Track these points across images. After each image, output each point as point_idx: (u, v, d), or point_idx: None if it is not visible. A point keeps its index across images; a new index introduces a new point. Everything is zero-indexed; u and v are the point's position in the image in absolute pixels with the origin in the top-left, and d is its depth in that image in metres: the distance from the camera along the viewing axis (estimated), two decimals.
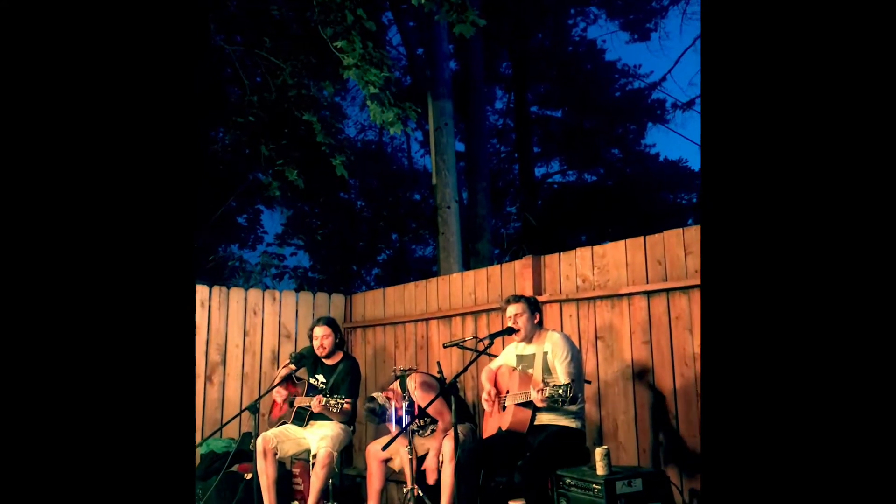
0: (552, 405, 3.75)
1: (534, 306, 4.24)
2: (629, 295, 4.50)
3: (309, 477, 4.93)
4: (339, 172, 7.80)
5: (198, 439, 5.58)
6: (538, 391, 3.74)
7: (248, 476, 5.09)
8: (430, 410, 4.57)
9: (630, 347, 4.46)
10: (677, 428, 4.18)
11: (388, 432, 4.88)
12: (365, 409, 4.78)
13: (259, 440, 4.80)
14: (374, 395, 4.82)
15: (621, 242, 4.64)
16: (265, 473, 4.79)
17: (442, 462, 4.51)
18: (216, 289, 6.19)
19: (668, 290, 4.31)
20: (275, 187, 8.25)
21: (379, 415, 4.72)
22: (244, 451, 5.27)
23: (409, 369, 4.90)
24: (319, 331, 5.20)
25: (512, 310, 4.19)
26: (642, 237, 4.52)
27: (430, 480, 4.56)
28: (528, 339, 4.19)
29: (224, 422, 5.56)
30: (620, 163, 16.33)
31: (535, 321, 4.21)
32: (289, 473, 5.51)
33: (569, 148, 16.33)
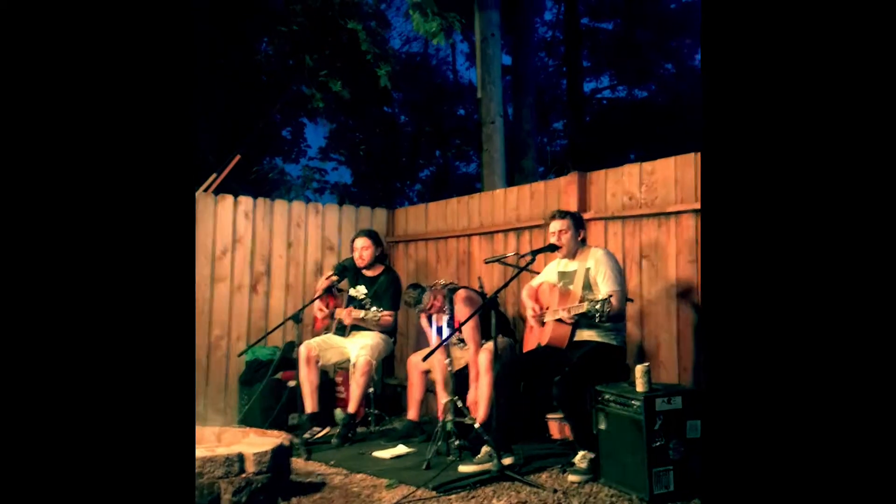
0: (589, 320, 3.72)
1: (578, 222, 4.17)
2: (677, 213, 4.38)
3: (350, 385, 5.05)
4: (382, 83, 7.67)
5: (243, 347, 5.72)
6: (564, 309, 3.71)
7: (292, 383, 5.22)
8: (463, 329, 4.59)
9: (675, 266, 4.37)
10: None
11: (429, 344, 4.94)
12: (406, 291, 4.84)
13: (302, 348, 4.91)
14: (423, 285, 4.83)
15: (671, 159, 4.49)
16: (307, 380, 4.91)
17: (477, 374, 4.57)
18: (260, 200, 6.23)
19: None
20: (318, 98, 8.15)
21: (413, 304, 4.75)
22: (288, 359, 5.40)
23: (452, 283, 4.90)
24: (360, 242, 5.22)
25: (556, 225, 4.12)
26: (693, 154, 4.36)
27: (470, 396, 4.63)
28: (571, 256, 4.14)
29: (269, 330, 5.68)
30: (673, 79, 15.72)
31: (579, 238, 4.14)
32: (332, 381, 5.64)
33: (619, 62, 15.75)
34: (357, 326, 5.09)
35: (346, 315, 4.90)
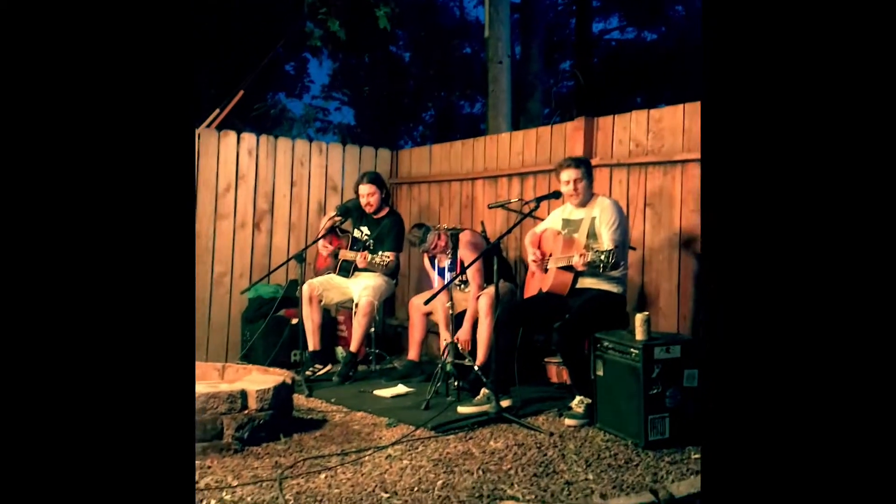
0: (593, 270, 3.73)
1: (590, 170, 4.13)
2: (683, 162, 4.35)
3: (352, 324, 5.11)
4: (381, 24, 7.50)
5: (245, 284, 5.76)
6: (580, 255, 3.71)
7: (294, 321, 5.28)
8: (467, 271, 4.60)
9: (679, 215, 4.37)
10: None
11: (430, 286, 4.97)
12: (411, 231, 4.88)
13: (305, 287, 4.95)
14: (427, 225, 4.84)
15: (679, 107, 4.44)
16: (310, 318, 4.97)
17: (477, 318, 4.61)
18: (263, 138, 6.17)
19: None
20: (317, 37, 7.97)
21: (418, 244, 4.78)
22: (290, 297, 5.45)
23: (456, 228, 4.91)
24: (365, 189, 5.19)
25: (569, 174, 4.06)
26: (701, 102, 4.30)
27: (463, 337, 4.64)
28: (582, 205, 4.11)
29: (271, 269, 5.71)
30: (683, 21, 15.38)
31: (590, 187, 4.12)
32: (334, 321, 5.70)
33: (629, 3, 15.39)
34: (360, 268, 5.12)
35: (360, 259, 4.90)
